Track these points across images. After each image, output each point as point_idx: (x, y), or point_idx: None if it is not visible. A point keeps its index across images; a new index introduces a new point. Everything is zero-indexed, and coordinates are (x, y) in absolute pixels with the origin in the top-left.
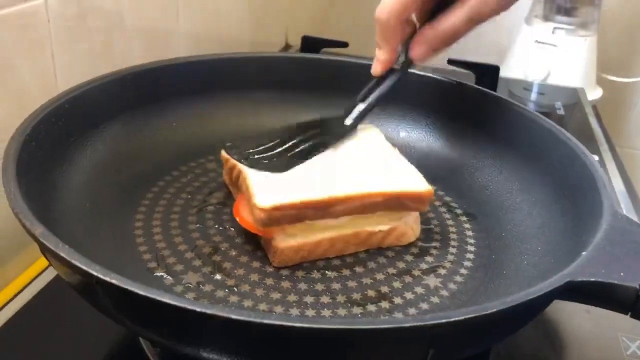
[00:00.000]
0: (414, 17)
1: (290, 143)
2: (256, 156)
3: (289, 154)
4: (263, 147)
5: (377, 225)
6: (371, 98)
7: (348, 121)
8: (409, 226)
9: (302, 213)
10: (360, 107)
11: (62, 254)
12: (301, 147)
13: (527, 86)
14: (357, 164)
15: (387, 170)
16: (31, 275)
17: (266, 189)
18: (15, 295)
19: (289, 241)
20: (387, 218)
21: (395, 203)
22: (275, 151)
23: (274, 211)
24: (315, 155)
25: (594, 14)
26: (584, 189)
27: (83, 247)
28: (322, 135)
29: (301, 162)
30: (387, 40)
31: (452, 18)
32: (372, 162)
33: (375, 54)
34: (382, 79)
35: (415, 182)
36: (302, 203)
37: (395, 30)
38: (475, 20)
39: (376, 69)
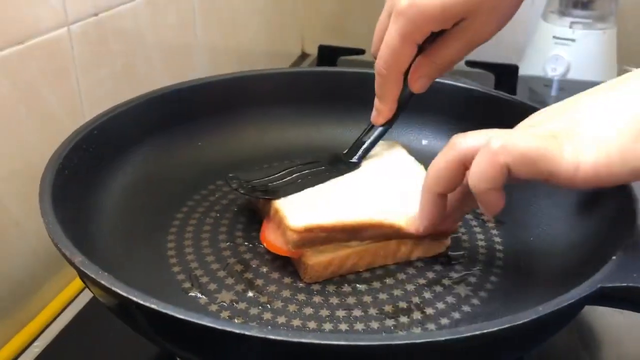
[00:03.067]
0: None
1: (290, 177)
2: (251, 185)
3: (286, 183)
4: (262, 179)
5: (405, 238)
6: (376, 133)
7: (355, 159)
8: (438, 241)
9: (332, 236)
10: (366, 144)
11: (102, 282)
12: (301, 178)
13: (547, 83)
14: (386, 187)
15: (417, 195)
16: (68, 296)
17: (297, 211)
18: (55, 318)
19: (318, 257)
20: None
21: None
22: (274, 183)
23: (306, 232)
24: (315, 184)
25: (612, 6)
26: (610, 191)
27: (119, 270)
28: (326, 170)
29: (299, 190)
30: (388, 93)
31: (449, 49)
32: (401, 185)
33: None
34: None
35: None
36: (333, 226)
37: (397, 82)
38: (471, 47)
39: (377, 120)
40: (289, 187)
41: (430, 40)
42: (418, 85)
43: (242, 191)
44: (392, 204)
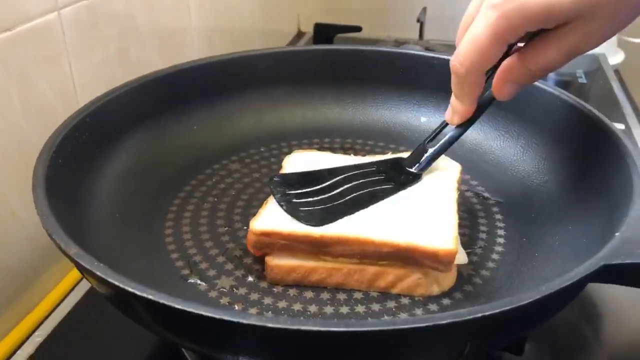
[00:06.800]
0: None
1: (340, 189)
2: (296, 200)
3: (331, 204)
4: (309, 189)
5: (390, 267)
6: (447, 137)
7: (416, 169)
8: (432, 278)
9: (294, 246)
10: (430, 152)
11: (98, 273)
12: (349, 197)
13: None
14: (387, 205)
15: (415, 218)
16: (68, 285)
17: (273, 212)
18: (56, 307)
19: (282, 261)
20: (403, 263)
21: (406, 257)
22: (319, 197)
23: (263, 237)
24: (365, 206)
25: None
26: (612, 166)
27: (117, 259)
28: (383, 183)
29: (345, 215)
30: (466, 94)
31: (548, 55)
32: (406, 205)
33: (451, 103)
34: None
35: (436, 238)
36: (293, 235)
37: (477, 84)
38: (573, 55)
39: (453, 119)
40: (338, 208)
41: (525, 39)
42: (505, 93)
43: (284, 207)
44: (376, 222)
